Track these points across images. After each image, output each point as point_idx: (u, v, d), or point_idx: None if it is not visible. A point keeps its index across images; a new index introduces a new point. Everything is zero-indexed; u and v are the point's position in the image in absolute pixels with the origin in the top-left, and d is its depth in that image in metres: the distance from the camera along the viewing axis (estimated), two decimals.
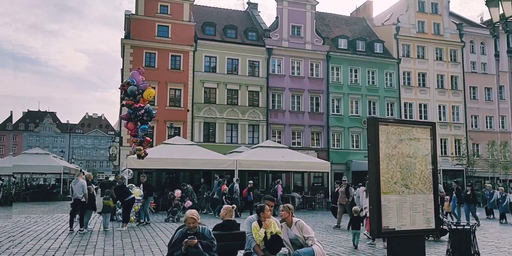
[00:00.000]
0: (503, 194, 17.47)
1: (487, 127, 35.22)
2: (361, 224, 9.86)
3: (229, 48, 29.54)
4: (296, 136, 30.40)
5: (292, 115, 30.35)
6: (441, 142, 32.38)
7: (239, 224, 5.95)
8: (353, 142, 31.64)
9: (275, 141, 27.48)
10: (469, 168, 31.32)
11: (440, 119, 33.16)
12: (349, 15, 40.96)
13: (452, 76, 34.77)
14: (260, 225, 5.40)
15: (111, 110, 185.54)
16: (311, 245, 5.47)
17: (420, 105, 33.50)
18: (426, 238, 9.90)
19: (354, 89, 31.97)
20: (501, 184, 26.10)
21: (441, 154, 31.47)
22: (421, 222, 5.35)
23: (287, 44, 30.93)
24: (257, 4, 36.06)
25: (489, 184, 20.49)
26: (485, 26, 37.56)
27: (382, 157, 5.17)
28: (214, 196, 17.92)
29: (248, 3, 36.01)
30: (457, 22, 36.36)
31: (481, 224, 13.93)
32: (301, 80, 30.87)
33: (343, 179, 15.06)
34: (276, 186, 20.33)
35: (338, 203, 13.38)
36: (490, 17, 7.23)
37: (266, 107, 29.76)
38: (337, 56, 31.86)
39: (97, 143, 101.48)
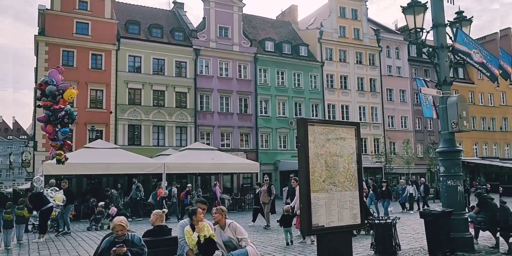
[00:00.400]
0: (403, 186, 19.43)
1: (402, 126, 37.97)
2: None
3: (154, 47, 28.74)
4: (225, 137, 30.40)
5: (221, 117, 30.31)
6: (361, 141, 34.26)
7: (171, 229, 5.79)
8: (280, 143, 32.38)
9: (203, 143, 27.22)
10: (387, 165, 33.55)
11: (360, 119, 35.07)
12: (275, 18, 41.88)
13: (371, 79, 36.98)
14: (193, 229, 5.28)
15: (23, 112, 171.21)
16: (245, 246, 5.46)
17: (342, 106, 35.19)
18: (358, 232, 10.38)
19: (281, 90, 32.74)
20: (403, 177, 28.37)
21: (362, 152, 33.11)
22: (348, 218, 5.58)
23: (214, 45, 30.82)
24: (183, 3, 35.50)
25: (403, 180, 22.10)
26: (400, 33, 40.53)
27: (311, 157, 5.31)
28: (149, 200, 17.41)
29: (174, 2, 35.31)
30: (375, 28, 38.78)
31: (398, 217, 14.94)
32: (229, 81, 30.93)
33: (265, 178, 15.84)
34: (214, 188, 20.31)
35: (261, 202, 13.65)
36: (405, 24, 7.79)
37: (194, 108, 29.39)
38: (264, 58, 32.41)
39: None
